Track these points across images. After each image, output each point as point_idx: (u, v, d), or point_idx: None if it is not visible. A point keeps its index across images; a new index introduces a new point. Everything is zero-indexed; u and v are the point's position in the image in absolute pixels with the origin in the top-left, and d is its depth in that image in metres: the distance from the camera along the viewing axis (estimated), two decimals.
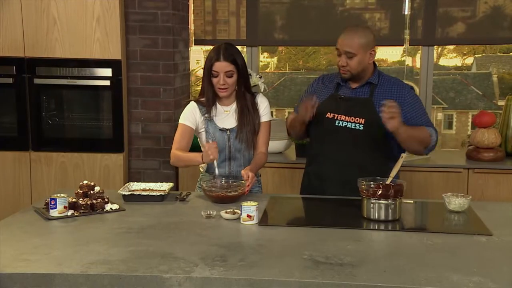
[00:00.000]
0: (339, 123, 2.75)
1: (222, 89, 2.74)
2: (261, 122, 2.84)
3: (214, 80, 2.73)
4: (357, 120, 2.72)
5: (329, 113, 2.77)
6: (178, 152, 2.78)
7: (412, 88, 2.83)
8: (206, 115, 2.81)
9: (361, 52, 2.69)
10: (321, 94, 2.84)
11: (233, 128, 2.80)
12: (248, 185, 2.60)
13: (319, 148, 2.84)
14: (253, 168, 2.73)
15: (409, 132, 2.65)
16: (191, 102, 2.87)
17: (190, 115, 2.83)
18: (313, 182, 2.86)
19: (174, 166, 2.86)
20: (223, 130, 2.80)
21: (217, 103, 2.83)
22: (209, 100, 2.80)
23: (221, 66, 2.70)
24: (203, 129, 2.82)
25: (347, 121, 2.74)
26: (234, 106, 2.83)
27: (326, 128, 2.78)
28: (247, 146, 2.81)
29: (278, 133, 3.81)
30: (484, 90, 9.16)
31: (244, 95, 2.81)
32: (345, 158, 2.74)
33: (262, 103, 2.86)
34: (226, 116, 2.82)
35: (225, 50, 2.71)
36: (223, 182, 2.66)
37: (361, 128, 2.71)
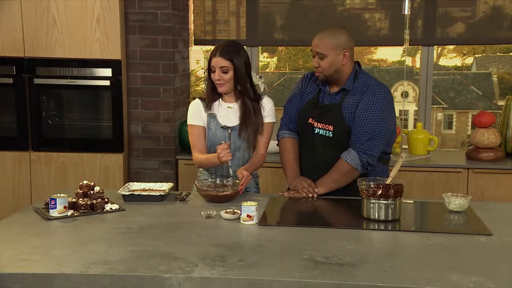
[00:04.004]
0: (315, 130, 2.76)
1: (219, 84, 2.77)
2: (264, 123, 2.85)
3: (212, 75, 2.78)
4: (327, 127, 2.72)
5: (311, 119, 2.78)
6: (199, 156, 2.81)
7: (382, 94, 2.67)
8: (209, 111, 2.83)
9: (332, 53, 2.64)
10: (307, 95, 2.85)
11: (234, 126, 2.81)
12: (242, 185, 2.61)
13: (300, 152, 2.87)
14: (249, 168, 2.74)
15: (332, 183, 2.68)
16: (195, 99, 2.91)
17: (196, 113, 2.85)
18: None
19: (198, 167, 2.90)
20: (224, 127, 2.81)
21: (221, 99, 2.85)
22: (209, 95, 2.83)
23: (217, 61, 2.74)
24: (206, 126, 2.84)
25: (320, 128, 2.75)
26: (237, 103, 2.84)
27: (306, 133, 2.81)
28: (248, 145, 2.82)
29: None
30: (484, 90, 9.15)
31: (246, 95, 2.81)
32: (317, 163, 2.76)
33: (267, 105, 2.86)
34: (229, 113, 2.83)
35: (224, 47, 2.75)
36: (218, 181, 2.67)
37: (331, 135, 2.71)
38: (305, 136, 2.83)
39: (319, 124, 2.75)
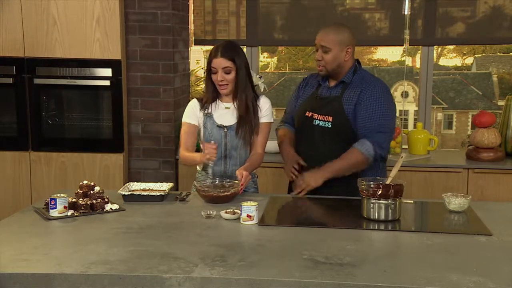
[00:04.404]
0: (314, 121, 2.82)
1: (221, 85, 2.77)
2: (261, 123, 2.84)
3: (213, 76, 2.76)
4: (326, 118, 2.78)
5: (307, 112, 2.84)
6: (184, 153, 2.85)
7: (383, 88, 2.78)
8: (205, 111, 2.83)
9: (336, 48, 2.75)
10: (305, 93, 2.94)
11: (231, 125, 2.81)
12: (242, 185, 2.61)
13: (299, 146, 2.90)
14: (248, 168, 2.74)
15: (339, 171, 2.70)
16: (193, 99, 2.92)
17: (192, 112, 2.87)
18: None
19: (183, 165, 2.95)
20: (220, 126, 2.81)
21: (218, 100, 2.85)
22: (210, 96, 2.84)
23: (219, 62, 2.73)
24: (202, 125, 2.84)
25: (319, 119, 2.80)
26: (235, 103, 2.84)
27: (304, 126, 2.86)
28: (244, 144, 2.82)
29: None
30: (484, 90, 9.16)
31: (245, 94, 2.81)
32: (316, 155, 2.79)
33: (264, 104, 2.86)
34: (226, 112, 2.83)
35: (224, 47, 2.75)
36: (217, 182, 2.67)
37: (330, 126, 2.77)
38: (304, 129, 2.87)
39: (319, 116, 2.80)
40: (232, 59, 2.73)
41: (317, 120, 2.81)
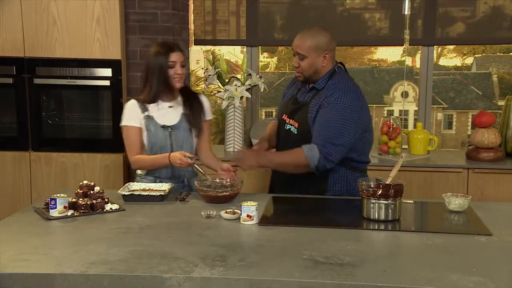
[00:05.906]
0: (286, 125, 2.80)
1: (179, 79, 2.79)
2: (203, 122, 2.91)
3: (171, 71, 2.77)
4: (294, 123, 2.75)
5: (284, 115, 2.83)
6: (143, 157, 2.82)
7: (349, 99, 2.60)
8: (146, 112, 2.81)
9: (312, 55, 2.66)
10: (288, 94, 2.93)
11: (174, 124, 2.82)
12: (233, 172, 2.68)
13: (277, 146, 2.93)
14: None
15: (278, 165, 2.69)
16: (130, 100, 2.86)
17: (133, 114, 2.82)
18: (271, 181, 2.99)
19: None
20: (164, 127, 2.81)
21: (160, 100, 2.84)
22: (155, 96, 2.81)
23: (178, 56, 2.79)
24: (145, 127, 2.81)
25: (290, 124, 2.78)
26: (179, 99, 2.87)
27: (280, 128, 2.87)
28: (188, 142, 2.84)
29: None
30: (484, 90, 9.17)
31: (189, 89, 2.93)
32: None
33: (205, 103, 2.93)
34: (169, 112, 2.84)
35: (175, 44, 2.86)
36: (217, 182, 2.67)
37: (296, 132, 2.74)
38: (280, 131, 2.88)
39: (290, 120, 2.79)
40: (184, 54, 2.83)
41: (288, 125, 2.79)
